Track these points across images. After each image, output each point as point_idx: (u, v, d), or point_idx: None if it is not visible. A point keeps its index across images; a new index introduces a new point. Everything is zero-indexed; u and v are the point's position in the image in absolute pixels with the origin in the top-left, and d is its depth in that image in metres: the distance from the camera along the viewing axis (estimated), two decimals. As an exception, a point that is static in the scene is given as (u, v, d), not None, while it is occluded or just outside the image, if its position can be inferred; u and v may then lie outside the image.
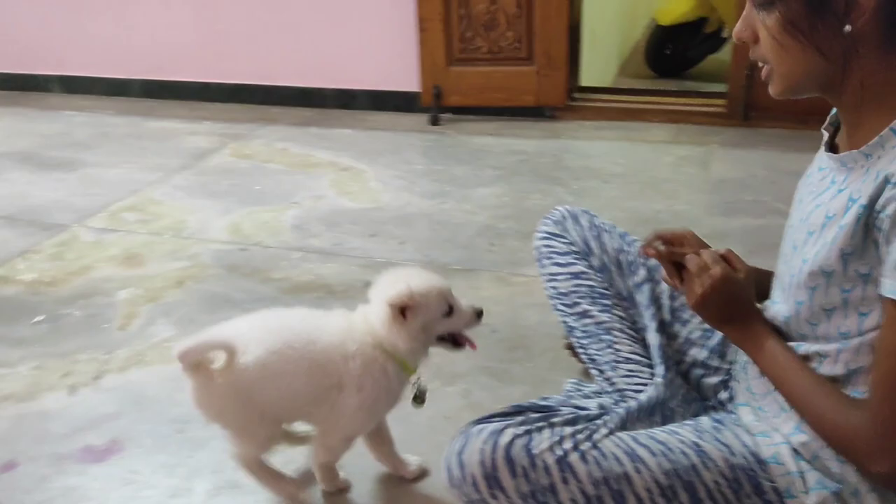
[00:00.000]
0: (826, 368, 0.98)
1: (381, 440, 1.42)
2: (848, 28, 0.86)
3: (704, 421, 1.12)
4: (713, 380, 1.28)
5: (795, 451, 1.03)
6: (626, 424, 1.08)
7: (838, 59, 0.89)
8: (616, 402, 1.23)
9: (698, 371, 1.30)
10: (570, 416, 1.07)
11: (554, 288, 1.40)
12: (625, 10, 5.40)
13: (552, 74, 3.45)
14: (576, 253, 1.40)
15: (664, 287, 1.35)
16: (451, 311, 1.23)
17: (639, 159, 3.11)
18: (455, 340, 1.29)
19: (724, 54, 4.46)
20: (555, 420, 1.04)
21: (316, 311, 1.33)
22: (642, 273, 1.37)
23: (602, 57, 4.69)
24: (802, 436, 1.01)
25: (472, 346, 1.31)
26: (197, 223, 2.68)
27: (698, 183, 2.84)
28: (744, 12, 0.97)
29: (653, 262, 1.34)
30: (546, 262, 1.42)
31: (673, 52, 4.79)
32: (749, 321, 1.06)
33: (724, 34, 4.63)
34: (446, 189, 2.90)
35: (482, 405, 1.70)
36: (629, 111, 3.54)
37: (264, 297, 2.19)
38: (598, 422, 1.06)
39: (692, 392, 1.28)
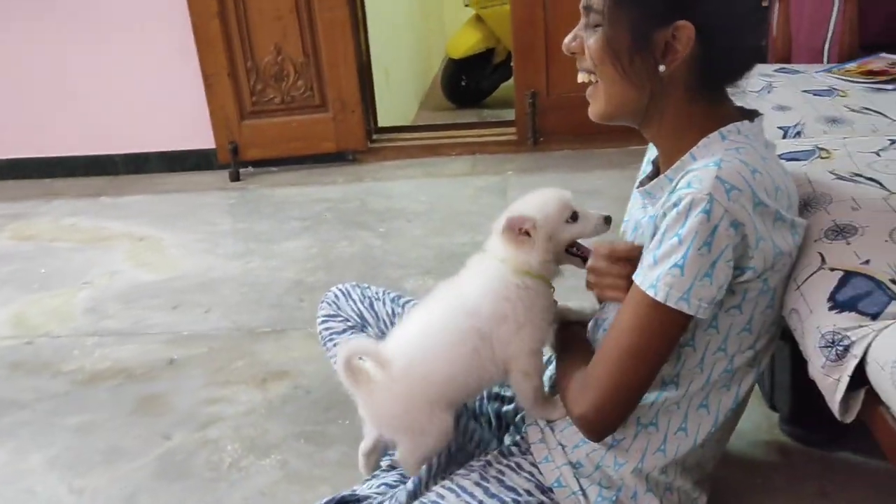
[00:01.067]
0: None
1: None
2: (662, 68, 0.95)
3: (493, 461, 1.15)
4: (509, 408, 1.34)
5: (576, 467, 1.09)
6: (418, 493, 1.09)
7: (649, 92, 0.98)
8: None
9: (494, 404, 1.35)
10: None
11: None
12: (419, 47, 5.56)
13: (348, 118, 3.46)
14: (352, 328, 1.43)
15: None
16: (575, 217, 1.15)
17: (440, 194, 3.17)
18: (584, 255, 1.19)
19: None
20: None
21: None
22: None
23: (401, 94, 4.78)
24: (585, 446, 1.09)
25: (587, 254, 1.19)
26: (-28, 320, 2.43)
27: (497, 212, 2.86)
28: (577, 27, 1.02)
29: None
30: (329, 344, 1.44)
31: (468, 83, 4.99)
32: None
33: (513, 63, 4.87)
34: (251, 247, 2.81)
35: (300, 474, 1.65)
36: (428, 147, 3.61)
37: (56, 393, 2.02)
38: None
39: (488, 430, 1.32)
